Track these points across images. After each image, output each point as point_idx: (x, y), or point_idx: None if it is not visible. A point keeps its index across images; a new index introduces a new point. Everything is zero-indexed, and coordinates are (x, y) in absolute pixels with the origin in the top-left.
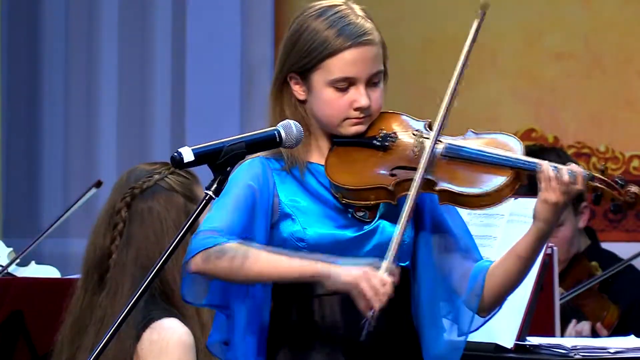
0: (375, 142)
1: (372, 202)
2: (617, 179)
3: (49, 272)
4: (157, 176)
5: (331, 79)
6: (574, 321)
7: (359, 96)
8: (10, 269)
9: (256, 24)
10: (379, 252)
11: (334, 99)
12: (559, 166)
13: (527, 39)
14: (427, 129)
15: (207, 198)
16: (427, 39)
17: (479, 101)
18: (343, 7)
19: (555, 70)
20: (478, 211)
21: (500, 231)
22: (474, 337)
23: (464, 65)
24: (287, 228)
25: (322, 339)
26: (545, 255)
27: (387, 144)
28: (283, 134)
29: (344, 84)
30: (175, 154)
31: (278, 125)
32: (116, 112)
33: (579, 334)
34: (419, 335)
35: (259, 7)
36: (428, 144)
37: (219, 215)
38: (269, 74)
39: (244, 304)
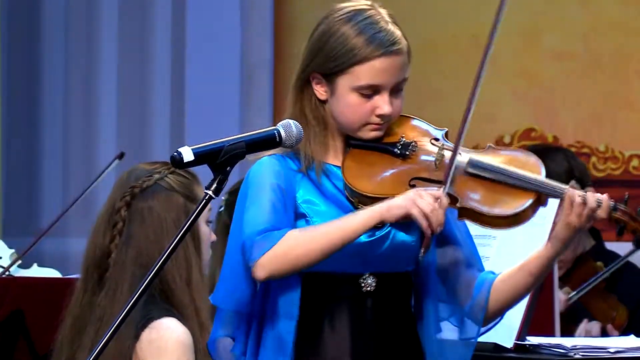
0: (395, 150)
1: None
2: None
3: (51, 274)
4: (157, 175)
5: (357, 85)
6: (585, 320)
7: (383, 104)
8: (12, 271)
9: (256, 24)
10: (390, 258)
11: (357, 105)
12: (584, 193)
13: (526, 38)
14: (446, 137)
15: (207, 198)
16: (427, 39)
17: (479, 101)
18: (372, 12)
19: (554, 70)
20: (495, 230)
21: (501, 231)
22: None
23: (482, 68)
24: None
25: (330, 340)
26: None
27: (407, 152)
28: (283, 134)
29: (369, 91)
30: (175, 153)
31: (278, 124)
32: (116, 112)
33: (588, 334)
34: (421, 340)
35: (259, 7)
36: (448, 155)
37: (259, 217)
38: (268, 74)
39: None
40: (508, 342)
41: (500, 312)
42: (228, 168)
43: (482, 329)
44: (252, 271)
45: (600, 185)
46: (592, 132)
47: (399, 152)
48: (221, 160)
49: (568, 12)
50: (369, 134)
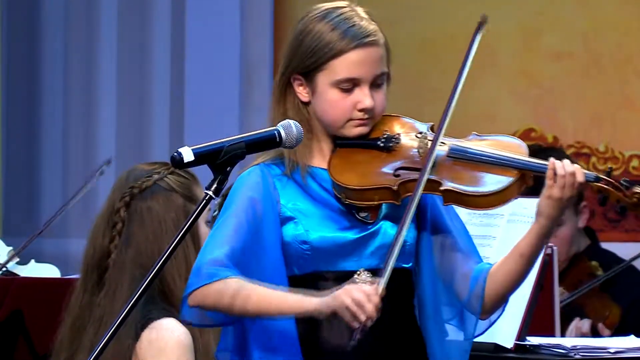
0: (378, 143)
1: (375, 203)
2: (622, 181)
3: (49, 270)
4: (156, 176)
5: (336, 80)
6: (576, 319)
7: (363, 97)
8: (10, 267)
9: (256, 24)
10: (382, 253)
11: (338, 100)
12: (563, 160)
13: (526, 38)
14: (431, 131)
15: (207, 198)
16: (427, 39)
17: (478, 101)
18: (347, 9)
19: (554, 70)
20: (481, 211)
21: (500, 231)
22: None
23: (463, 68)
24: (290, 231)
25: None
26: (545, 254)
27: (390, 145)
28: (283, 134)
29: (349, 85)
30: (175, 153)
31: (278, 125)
32: (115, 112)
33: (578, 331)
34: (424, 338)
35: (258, 7)
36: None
37: (220, 239)
38: (268, 74)
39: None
40: (508, 342)
41: (498, 301)
42: (228, 168)
43: (484, 325)
44: (186, 296)
45: None
46: (592, 132)
47: (382, 145)
48: (221, 160)
49: (568, 12)
50: (353, 130)
